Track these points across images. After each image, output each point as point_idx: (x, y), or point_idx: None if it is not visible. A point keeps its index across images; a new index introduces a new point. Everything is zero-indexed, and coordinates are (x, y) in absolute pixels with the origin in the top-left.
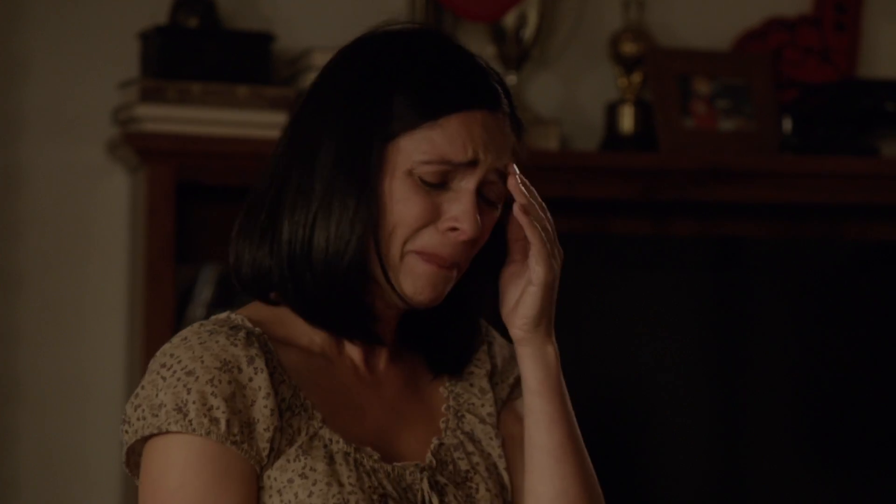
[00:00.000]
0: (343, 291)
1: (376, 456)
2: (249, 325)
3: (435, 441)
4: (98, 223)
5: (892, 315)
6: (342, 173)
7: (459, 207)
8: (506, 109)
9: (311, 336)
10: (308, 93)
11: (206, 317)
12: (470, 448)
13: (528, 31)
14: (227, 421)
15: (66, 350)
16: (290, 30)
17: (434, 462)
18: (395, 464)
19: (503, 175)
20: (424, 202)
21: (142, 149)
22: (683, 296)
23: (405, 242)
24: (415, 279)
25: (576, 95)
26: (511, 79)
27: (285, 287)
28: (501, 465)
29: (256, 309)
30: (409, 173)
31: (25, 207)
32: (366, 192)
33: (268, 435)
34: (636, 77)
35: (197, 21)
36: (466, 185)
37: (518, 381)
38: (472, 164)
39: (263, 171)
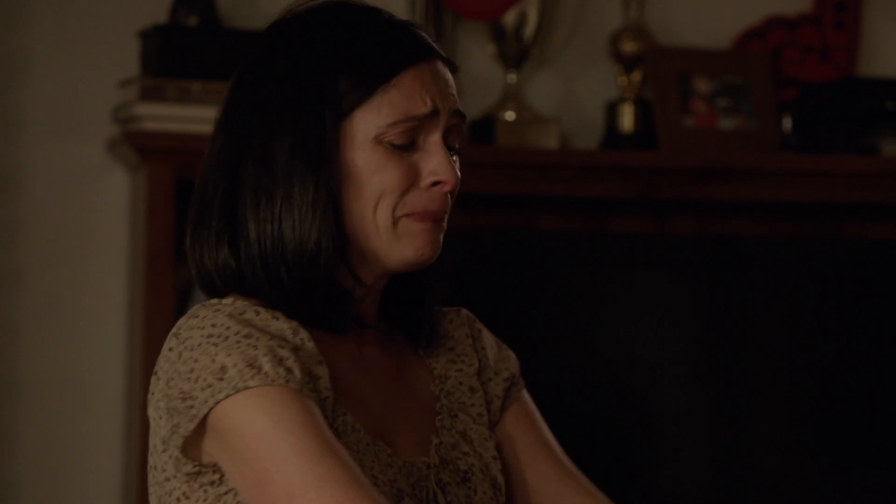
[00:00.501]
0: (318, 277)
1: (389, 450)
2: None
3: (435, 439)
4: (98, 222)
5: (891, 314)
6: (300, 162)
7: (435, 160)
8: (441, 54)
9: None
10: (239, 88)
11: None
12: (465, 448)
13: (528, 30)
14: (301, 370)
15: (65, 349)
16: None
17: (437, 460)
18: (405, 459)
19: (461, 116)
20: (401, 166)
21: (142, 147)
22: (683, 294)
23: (394, 209)
24: (414, 240)
25: (576, 94)
26: (511, 77)
27: (261, 287)
28: (495, 466)
29: (243, 299)
30: (378, 141)
31: (25, 206)
32: (324, 172)
33: (326, 393)
34: (636, 76)
35: (197, 19)
36: (434, 138)
37: (514, 380)
38: (434, 114)
39: (202, 175)
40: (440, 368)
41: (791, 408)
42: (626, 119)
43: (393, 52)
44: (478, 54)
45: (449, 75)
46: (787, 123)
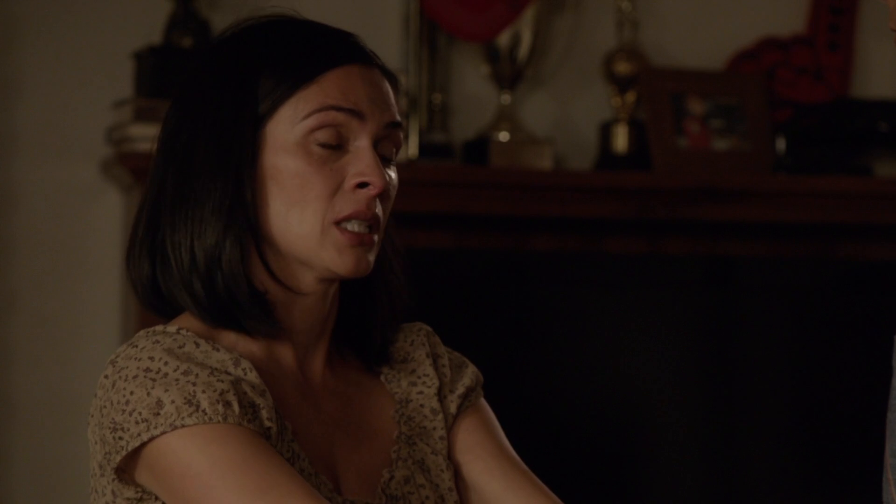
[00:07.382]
0: (229, 283)
1: (330, 485)
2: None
3: (386, 474)
4: (91, 243)
5: (883, 334)
6: (213, 166)
7: (361, 163)
8: (378, 63)
9: (248, 347)
10: (173, 105)
11: None
12: (420, 480)
13: (522, 51)
14: (239, 402)
15: (59, 369)
16: None
17: (384, 499)
18: (346, 498)
19: (396, 126)
20: (323, 170)
21: (135, 168)
22: (677, 314)
23: (323, 216)
24: (339, 253)
25: (569, 115)
26: (505, 98)
27: (181, 299)
28: (451, 498)
29: (187, 322)
30: (302, 145)
31: (19, 227)
32: (236, 175)
33: (269, 424)
34: (630, 96)
35: (191, 41)
36: (361, 143)
37: (468, 393)
38: (359, 116)
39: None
40: (401, 392)
41: (784, 427)
42: (620, 140)
43: (319, 53)
44: (472, 75)
45: (386, 85)
46: (781, 144)
